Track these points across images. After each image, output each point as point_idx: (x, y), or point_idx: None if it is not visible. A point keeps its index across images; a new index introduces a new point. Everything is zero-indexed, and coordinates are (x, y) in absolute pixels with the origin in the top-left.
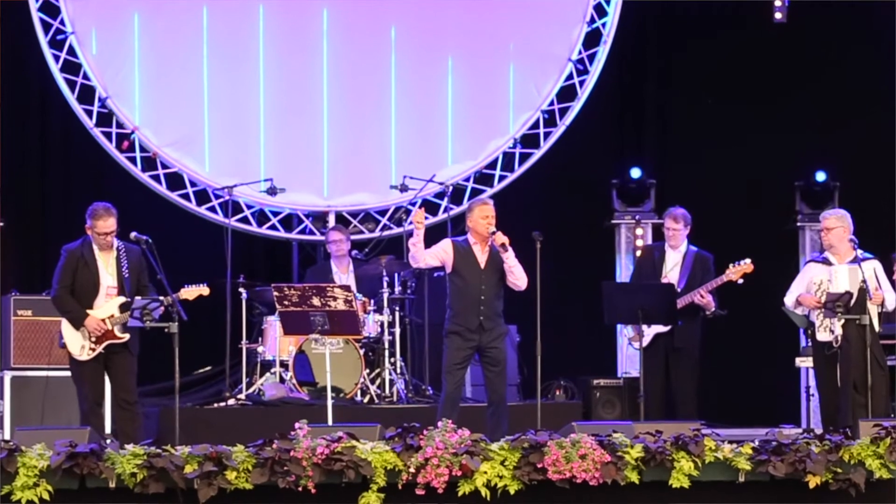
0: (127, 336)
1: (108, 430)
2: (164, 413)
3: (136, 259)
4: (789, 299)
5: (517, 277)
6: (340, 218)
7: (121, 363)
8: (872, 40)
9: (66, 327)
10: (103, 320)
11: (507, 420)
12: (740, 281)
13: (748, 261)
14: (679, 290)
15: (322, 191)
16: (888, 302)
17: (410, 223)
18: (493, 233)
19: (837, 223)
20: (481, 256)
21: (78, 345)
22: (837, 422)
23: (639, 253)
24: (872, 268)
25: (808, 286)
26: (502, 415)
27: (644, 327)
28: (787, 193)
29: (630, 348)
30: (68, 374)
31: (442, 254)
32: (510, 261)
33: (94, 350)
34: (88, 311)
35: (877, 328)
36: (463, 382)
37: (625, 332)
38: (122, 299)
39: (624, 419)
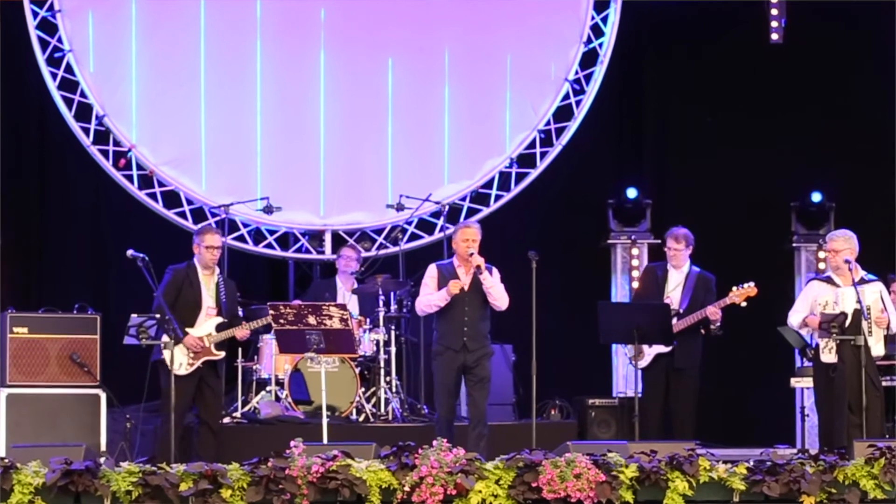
0: (222, 354)
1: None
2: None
3: (232, 290)
4: (795, 319)
5: (496, 298)
6: (336, 237)
7: (212, 389)
8: (871, 61)
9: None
10: (201, 338)
11: (487, 435)
12: (744, 304)
13: (752, 284)
14: (681, 310)
15: (319, 209)
16: (893, 324)
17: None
18: (471, 254)
19: (845, 245)
20: (465, 279)
21: (177, 361)
22: (833, 442)
23: (640, 272)
24: (878, 290)
25: (812, 306)
26: (482, 431)
27: (645, 347)
28: (782, 214)
29: (626, 367)
30: (64, 391)
31: (433, 283)
32: (487, 282)
33: (192, 365)
34: (188, 329)
35: (882, 351)
36: (454, 405)
37: (626, 351)
38: (220, 319)
39: (619, 439)
